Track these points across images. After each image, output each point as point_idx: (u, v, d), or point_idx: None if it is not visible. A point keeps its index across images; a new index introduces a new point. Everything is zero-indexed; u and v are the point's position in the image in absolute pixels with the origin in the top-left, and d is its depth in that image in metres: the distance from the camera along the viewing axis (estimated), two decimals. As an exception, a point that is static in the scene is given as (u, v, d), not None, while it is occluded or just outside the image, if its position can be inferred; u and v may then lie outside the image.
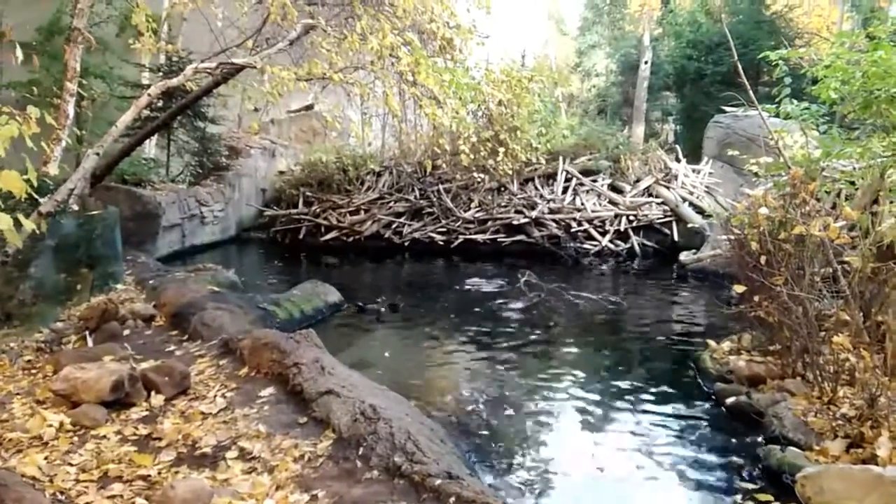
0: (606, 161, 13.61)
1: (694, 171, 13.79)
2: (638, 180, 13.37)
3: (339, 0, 9.56)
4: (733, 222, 5.88)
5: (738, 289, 5.01)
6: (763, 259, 4.97)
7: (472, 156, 10.53)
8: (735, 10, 19.41)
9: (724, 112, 12.96)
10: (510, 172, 12.54)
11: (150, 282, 7.34)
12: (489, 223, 13.07)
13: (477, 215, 13.13)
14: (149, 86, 9.53)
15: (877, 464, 3.45)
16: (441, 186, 13.42)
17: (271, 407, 4.00)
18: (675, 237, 12.55)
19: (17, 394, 4.25)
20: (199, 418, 3.85)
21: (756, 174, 7.07)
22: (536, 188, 13.48)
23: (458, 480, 2.94)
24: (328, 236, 13.36)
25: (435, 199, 13.34)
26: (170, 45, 10.94)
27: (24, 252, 5.53)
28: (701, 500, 3.81)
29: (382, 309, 7.95)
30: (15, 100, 9.20)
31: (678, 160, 14.05)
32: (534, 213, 12.81)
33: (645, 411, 5.04)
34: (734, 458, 4.20)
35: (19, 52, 5.87)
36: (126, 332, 5.75)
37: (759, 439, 4.36)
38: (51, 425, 3.60)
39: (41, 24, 10.40)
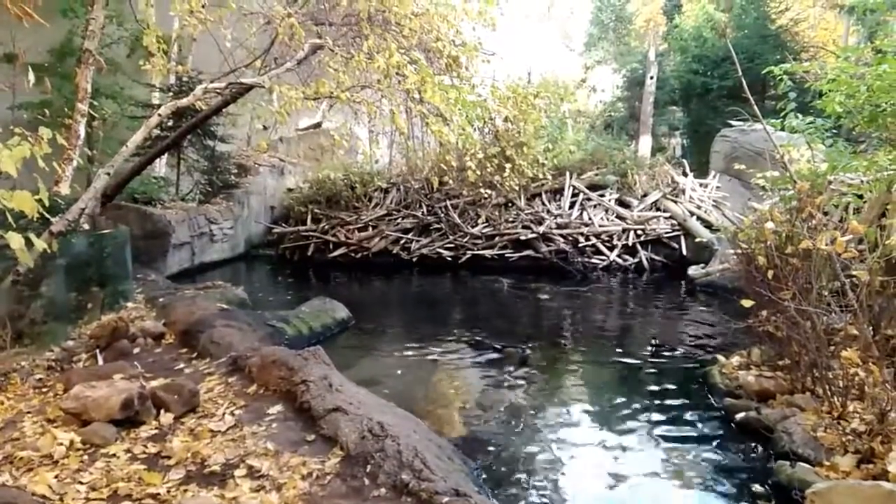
0: (613, 176, 13.64)
1: (701, 185, 13.79)
2: (645, 195, 13.38)
3: (347, 20, 9.67)
4: (740, 237, 5.87)
5: (746, 303, 5.00)
6: (770, 273, 4.97)
7: (478, 172, 10.58)
8: (740, 25, 19.49)
9: (731, 126, 12.98)
10: (517, 188, 12.59)
11: (160, 300, 7.39)
12: (497, 239, 13.09)
13: (484, 231, 13.15)
14: (159, 106, 9.65)
15: (888, 480, 3.42)
16: (448, 202, 13.47)
17: (279, 424, 4.01)
18: (684, 251, 12.53)
19: (28, 412, 4.28)
20: (207, 436, 3.86)
21: (763, 188, 7.07)
22: (544, 203, 13.50)
23: (465, 498, 2.94)
24: (336, 253, 13.41)
25: (442, 215, 13.39)
26: (180, 65, 11.10)
27: (36, 271, 5.57)
28: (711, 517, 3.79)
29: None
30: (27, 121, 9.34)
31: (685, 174, 14.06)
32: (541, 229, 12.82)
33: (654, 427, 5.02)
34: (744, 474, 4.18)
35: (31, 74, 5.99)
36: (136, 350, 5.78)
37: (769, 455, 4.34)
38: (61, 444, 3.62)
39: (53, 45, 10.56)
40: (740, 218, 10.08)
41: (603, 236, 12.89)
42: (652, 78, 20.37)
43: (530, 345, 7.31)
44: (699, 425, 5.05)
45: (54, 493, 3.14)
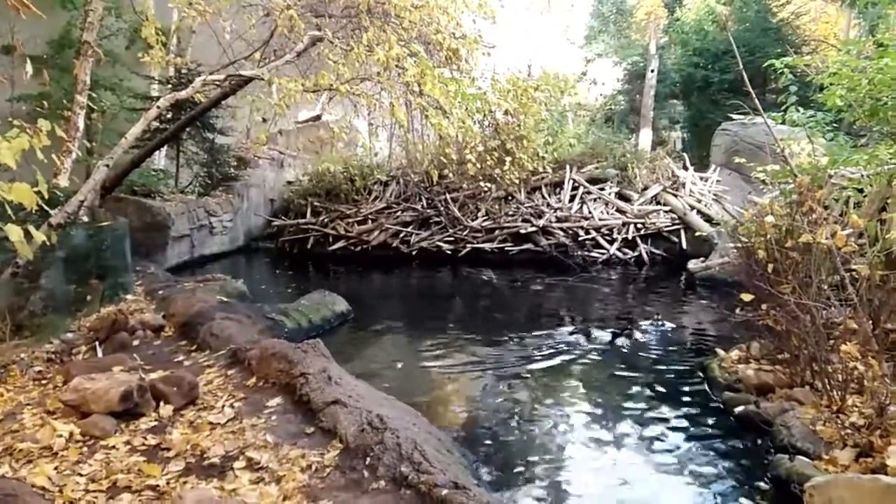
0: (614, 169, 13.62)
1: (702, 178, 13.77)
2: (645, 188, 13.36)
3: (346, 12, 9.64)
4: (740, 231, 5.86)
5: (746, 297, 4.99)
6: (770, 267, 4.96)
7: (478, 165, 10.56)
8: (742, 18, 19.41)
9: (732, 120, 12.94)
10: (517, 181, 12.56)
11: (160, 292, 7.38)
12: (496, 232, 13.07)
13: (484, 224, 13.14)
14: (158, 98, 9.62)
15: (886, 473, 3.42)
16: (448, 196, 13.43)
17: (279, 417, 4.01)
18: (684, 245, 12.51)
19: (28, 404, 4.28)
20: (207, 428, 3.87)
21: (763, 182, 7.06)
22: (544, 197, 13.49)
23: (464, 491, 2.94)
24: (336, 246, 13.39)
25: (442, 209, 13.36)
26: (179, 57, 11.05)
27: (35, 263, 5.57)
28: (709, 510, 3.80)
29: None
30: (26, 112, 9.31)
31: (685, 168, 14.04)
32: (541, 222, 12.81)
33: (653, 421, 5.03)
34: (743, 468, 4.19)
35: (29, 66, 5.97)
36: (135, 342, 5.78)
37: (768, 448, 4.34)
38: (60, 436, 3.63)
39: (52, 37, 10.52)
40: (740, 212, 10.08)
41: (603, 230, 12.87)
42: (653, 71, 20.28)
43: (528, 339, 7.32)
44: (698, 419, 5.06)
45: (54, 484, 3.15)
